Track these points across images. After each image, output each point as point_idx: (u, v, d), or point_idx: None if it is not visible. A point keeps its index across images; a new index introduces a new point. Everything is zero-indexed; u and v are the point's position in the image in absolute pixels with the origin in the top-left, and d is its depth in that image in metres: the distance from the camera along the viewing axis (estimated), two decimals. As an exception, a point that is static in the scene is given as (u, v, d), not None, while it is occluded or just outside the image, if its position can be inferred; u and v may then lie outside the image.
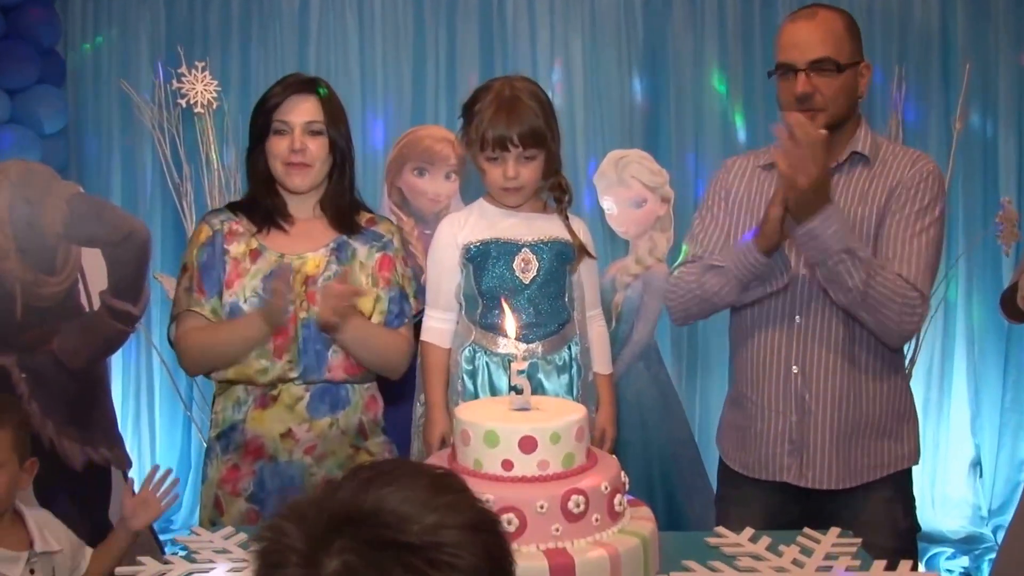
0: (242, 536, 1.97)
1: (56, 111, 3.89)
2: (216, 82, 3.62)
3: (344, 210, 2.40)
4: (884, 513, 2.28)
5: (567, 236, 2.36)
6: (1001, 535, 4.26)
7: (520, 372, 1.73)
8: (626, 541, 1.63)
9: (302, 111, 2.32)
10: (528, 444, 1.63)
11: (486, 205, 2.38)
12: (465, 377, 2.32)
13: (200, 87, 3.54)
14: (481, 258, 2.31)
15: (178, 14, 4.21)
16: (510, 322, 1.86)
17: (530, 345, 2.30)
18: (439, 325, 2.37)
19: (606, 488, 1.65)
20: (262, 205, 2.38)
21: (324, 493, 0.94)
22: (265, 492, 2.34)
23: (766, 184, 2.34)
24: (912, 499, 2.39)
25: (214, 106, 3.60)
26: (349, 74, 4.27)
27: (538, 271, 2.31)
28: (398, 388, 2.54)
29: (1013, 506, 4.31)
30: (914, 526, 2.36)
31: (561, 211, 2.39)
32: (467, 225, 2.35)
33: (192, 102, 3.56)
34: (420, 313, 2.43)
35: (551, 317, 2.32)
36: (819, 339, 2.26)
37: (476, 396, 2.29)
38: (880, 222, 2.22)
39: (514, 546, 1.59)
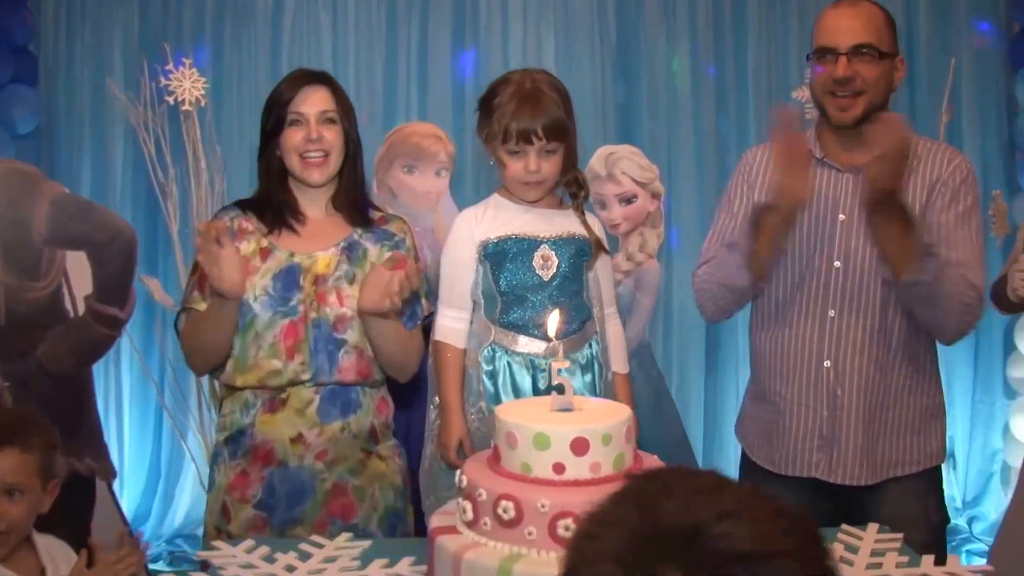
0: (265, 549, 1.90)
1: (30, 111, 3.77)
2: (204, 79, 3.53)
3: (357, 204, 2.36)
4: (918, 508, 2.27)
5: (584, 232, 2.31)
6: (976, 526, 4.34)
7: (561, 371, 1.69)
8: (680, 542, 1.59)
9: (315, 101, 2.29)
10: (580, 446, 1.59)
11: (502, 200, 2.32)
12: (485, 378, 2.26)
13: (188, 84, 3.45)
14: (499, 255, 2.26)
15: (152, 13, 4.11)
16: (553, 325, 1.80)
17: (550, 343, 2.24)
18: (454, 324, 2.30)
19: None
20: (273, 203, 2.33)
21: (637, 506, 0.88)
22: (274, 499, 2.27)
23: None
24: (942, 492, 2.39)
25: (202, 103, 3.52)
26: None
27: (558, 268, 2.26)
28: (404, 392, 2.48)
29: (987, 497, 4.41)
30: (945, 518, 2.36)
31: (577, 207, 2.34)
32: (483, 221, 2.29)
33: (180, 99, 3.47)
34: (430, 315, 2.37)
35: (573, 315, 2.28)
36: (853, 333, 2.24)
37: (497, 397, 2.23)
38: (920, 217, 2.19)
39: (570, 552, 1.57)
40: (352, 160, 2.35)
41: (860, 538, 1.88)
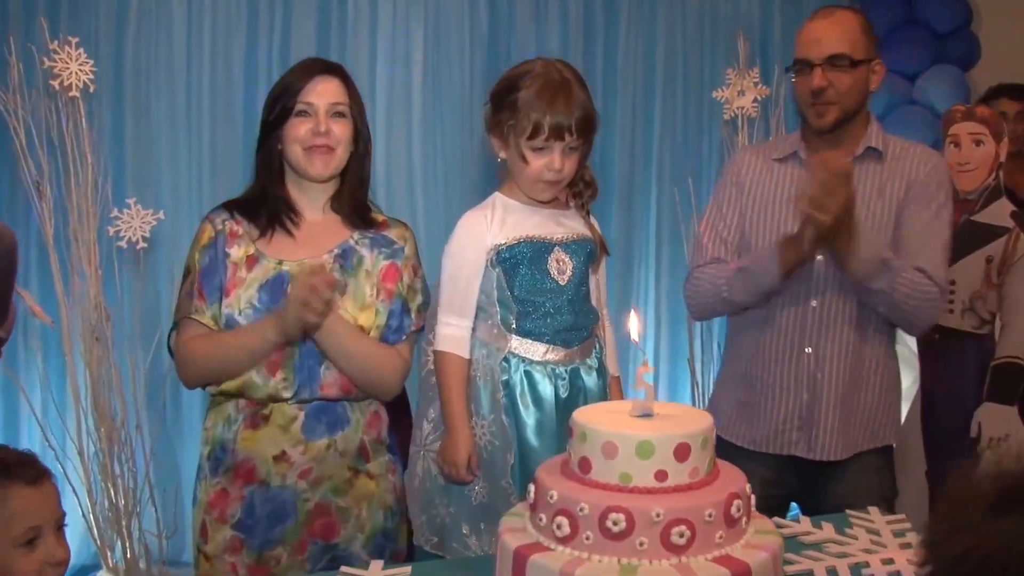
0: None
1: None
2: (92, 62, 3.16)
3: (359, 206, 2.24)
4: (876, 481, 2.44)
5: (590, 234, 2.26)
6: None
7: (646, 376, 1.66)
8: (771, 539, 1.62)
9: (326, 92, 2.15)
10: (683, 452, 1.58)
11: (508, 201, 2.21)
12: (501, 389, 2.15)
13: (74, 66, 3.08)
14: (513, 260, 2.15)
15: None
16: (635, 327, 1.73)
17: (570, 349, 2.18)
18: (458, 333, 2.16)
19: (750, 489, 1.64)
20: (269, 200, 2.17)
21: (1001, 464, 1.09)
22: (254, 519, 2.14)
23: (780, 177, 2.44)
24: (893, 469, 2.56)
25: (91, 89, 3.15)
26: (173, 64, 3.89)
27: (573, 271, 2.19)
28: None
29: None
30: (896, 493, 2.54)
31: (582, 207, 2.27)
32: (493, 224, 2.17)
33: (65, 84, 3.09)
34: (420, 330, 2.25)
35: (587, 319, 2.22)
36: (833, 322, 2.38)
37: (515, 408, 2.15)
38: (898, 216, 2.36)
39: (683, 559, 1.55)
40: (360, 159, 2.22)
41: (873, 521, 2.01)
